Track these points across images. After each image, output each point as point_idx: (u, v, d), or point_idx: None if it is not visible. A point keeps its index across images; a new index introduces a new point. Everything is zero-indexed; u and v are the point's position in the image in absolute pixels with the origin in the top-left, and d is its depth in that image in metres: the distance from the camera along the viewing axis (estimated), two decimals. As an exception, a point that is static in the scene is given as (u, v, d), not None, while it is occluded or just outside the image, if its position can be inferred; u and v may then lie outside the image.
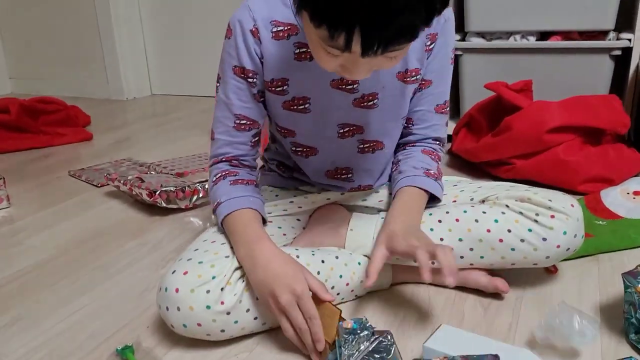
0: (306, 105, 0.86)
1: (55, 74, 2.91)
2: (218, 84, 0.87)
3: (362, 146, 0.91)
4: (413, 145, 0.94)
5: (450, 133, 1.60)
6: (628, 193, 1.15)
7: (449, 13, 0.84)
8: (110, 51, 2.70)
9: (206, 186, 1.25)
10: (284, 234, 0.92)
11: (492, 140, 1.36)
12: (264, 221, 0.87)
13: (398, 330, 0.80)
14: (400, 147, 0.96)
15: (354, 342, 0.64)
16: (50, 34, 2.84)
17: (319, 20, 0.59)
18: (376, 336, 0.65)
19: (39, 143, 1.93)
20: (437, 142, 0.94)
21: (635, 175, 1.28)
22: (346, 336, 0.65)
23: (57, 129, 1.99)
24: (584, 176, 1.26)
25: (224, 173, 0.87)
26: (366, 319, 0.67)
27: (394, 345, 0.65)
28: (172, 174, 1.40)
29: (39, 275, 1.02)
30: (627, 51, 1.48)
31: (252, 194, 0.85)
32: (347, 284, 0.86)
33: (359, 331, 0.66)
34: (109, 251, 1.10)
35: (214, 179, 0.88)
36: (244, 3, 0.82)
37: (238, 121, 0.86)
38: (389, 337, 0.66)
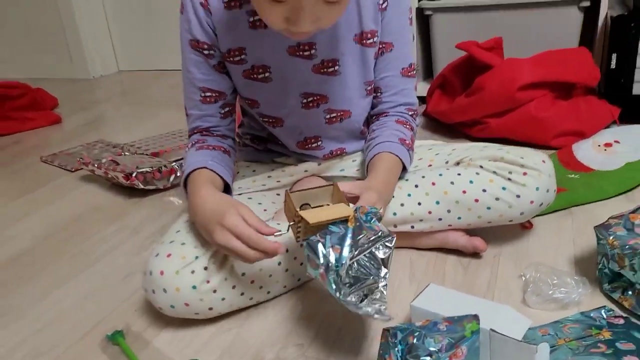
0: (266, 74, 0.86)
1: (15, 56, 2.80)
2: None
3: (329, 116, 0.91)
4: (386, 115, 0.94)
5: (424, 95, 1.60)
6: (599, 145, 1.18)
7: None
8: (71, 28, 2.59)
9: (183, 165, 1.23)
10: (265, 210, 0.92)
11: (465, 101, 1.37)
12: (228, 188, 0.86)
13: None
14: (373, 118, 0.96)
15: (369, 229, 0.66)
16: (5, 13, 2.71)
17: None
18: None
19: (7, 129, 1.88)
20: (410, 112, 0.94)
21: (606, 127, 1.31)
22: (363, 221, 0.67)
23: (25, 113, 1.93)
24: (556, 131, 1.28)
25: (193, 142, 0.89)
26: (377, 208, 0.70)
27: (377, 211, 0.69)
28: (147, 154, 1.38)
29: (17, 268, 1.00)
30: (596, 2, 1.48)
31: (213, 158, 0.85)
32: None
33: (371, 217, 0.68)
34: (88, 238, 1.09)
35: (187, 150, 0.89)
36: None
37: (203, 94, 0.87)
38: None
